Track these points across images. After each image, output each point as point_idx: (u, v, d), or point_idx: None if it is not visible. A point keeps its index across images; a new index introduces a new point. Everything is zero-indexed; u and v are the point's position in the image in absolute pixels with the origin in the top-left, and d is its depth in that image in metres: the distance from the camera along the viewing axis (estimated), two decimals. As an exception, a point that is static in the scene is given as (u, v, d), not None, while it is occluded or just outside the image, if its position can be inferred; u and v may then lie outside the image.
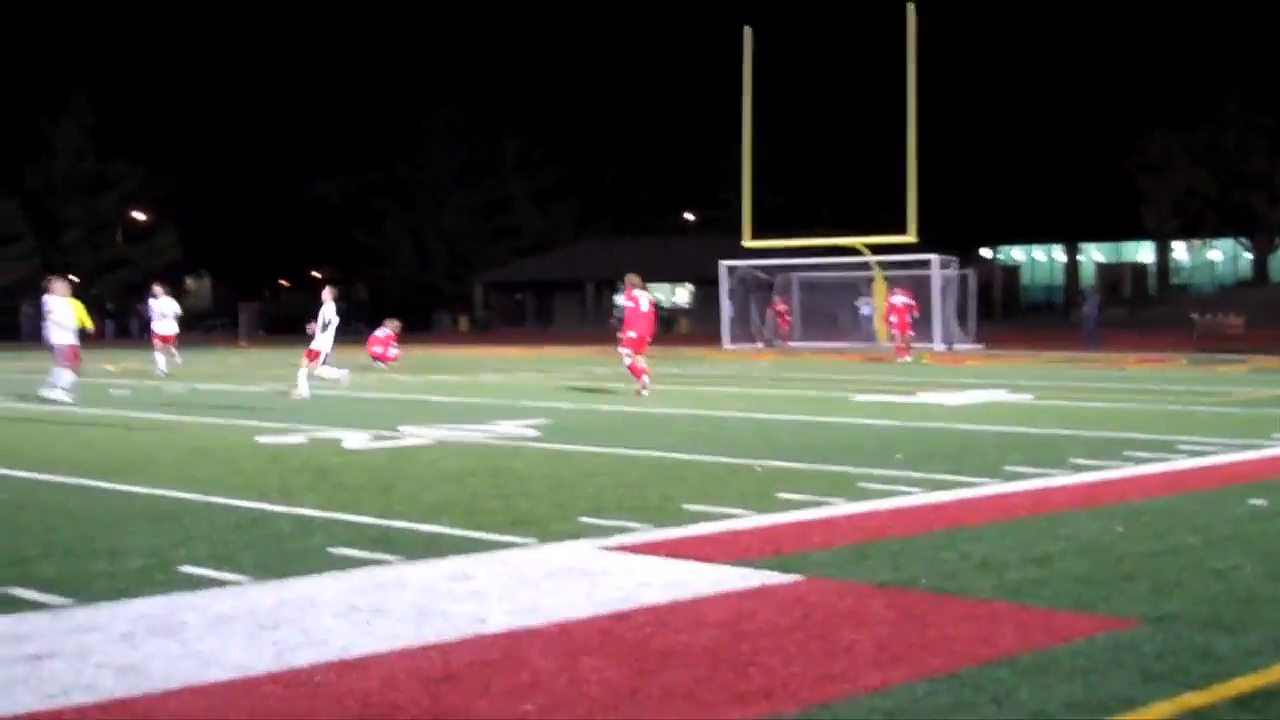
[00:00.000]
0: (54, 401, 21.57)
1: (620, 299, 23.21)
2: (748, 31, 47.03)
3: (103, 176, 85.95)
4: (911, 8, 43.21)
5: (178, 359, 32.12)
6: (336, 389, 22.87)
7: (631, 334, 22.45)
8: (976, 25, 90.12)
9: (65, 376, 22.10)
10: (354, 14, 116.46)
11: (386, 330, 35.47)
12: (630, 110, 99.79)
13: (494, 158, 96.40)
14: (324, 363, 22.60)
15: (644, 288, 22.91)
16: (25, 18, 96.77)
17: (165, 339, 31.98)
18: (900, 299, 37.52)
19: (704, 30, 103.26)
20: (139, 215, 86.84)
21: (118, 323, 77.71)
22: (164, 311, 32.26)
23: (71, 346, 22.46)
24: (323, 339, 22.47)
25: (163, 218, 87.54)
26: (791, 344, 49.17)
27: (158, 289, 33.26)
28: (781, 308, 51.25)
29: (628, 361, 22.54)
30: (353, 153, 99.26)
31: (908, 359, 35.58)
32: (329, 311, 22.44)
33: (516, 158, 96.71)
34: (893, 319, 37.35)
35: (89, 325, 23.29)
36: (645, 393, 22.04)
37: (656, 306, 23.96)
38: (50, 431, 17.03)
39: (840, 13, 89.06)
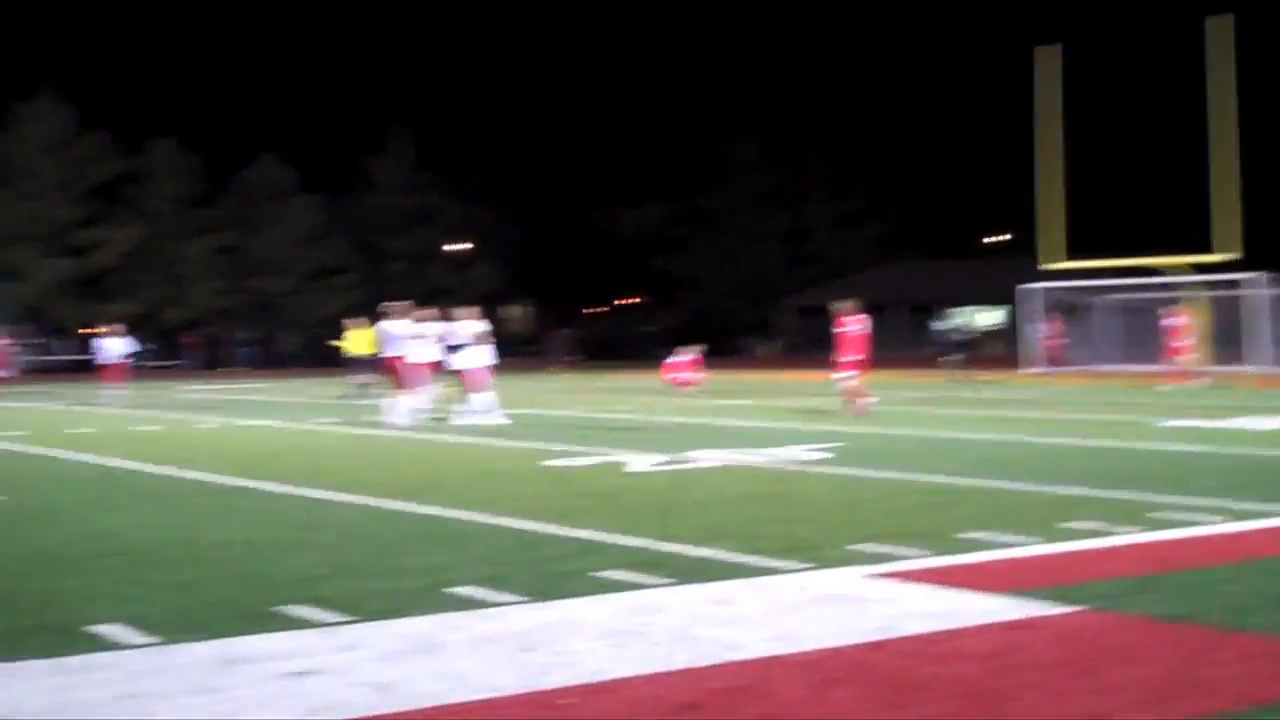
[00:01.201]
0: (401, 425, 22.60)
1: (842, 321, 23.66)
2: (1038, 52, 45.78)
3: (423, 209, 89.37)
4: (1229, 19, 41.29)
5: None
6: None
7: (850, 358, 23.36)
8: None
9: (409, 400, 23.05)
10: (662, 51, 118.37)
11: (686, 356, 35.53)
12: (933, 133, 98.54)
13: (796, 186, 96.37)
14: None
15: (857, 314, 23.83)
16: (346, 55, 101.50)
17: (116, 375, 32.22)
18: (1176, 320, 35.87)
19: (1007, 51, 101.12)
20: (458, 246, 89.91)
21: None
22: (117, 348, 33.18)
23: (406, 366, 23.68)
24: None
25: (481, 248, 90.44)
26: (1069, 368, 47.46)
27: (117, 326, 34.74)
28: (1050, 330, 49.26)
29: (851, 384, 23.28)
30: (660, 184, 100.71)
31: (1193, 384, 33.96)
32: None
33: (819, 185, 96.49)
34: (1176, 342, 35.78)
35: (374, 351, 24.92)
36: (874, 406, 23.20)
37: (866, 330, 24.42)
38: (359, 454, 17.64)
39: (1144, 26, 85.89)
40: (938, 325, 43.60)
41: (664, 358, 35.91)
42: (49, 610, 7.43)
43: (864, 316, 23.79)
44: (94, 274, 79.14)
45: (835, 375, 23.79)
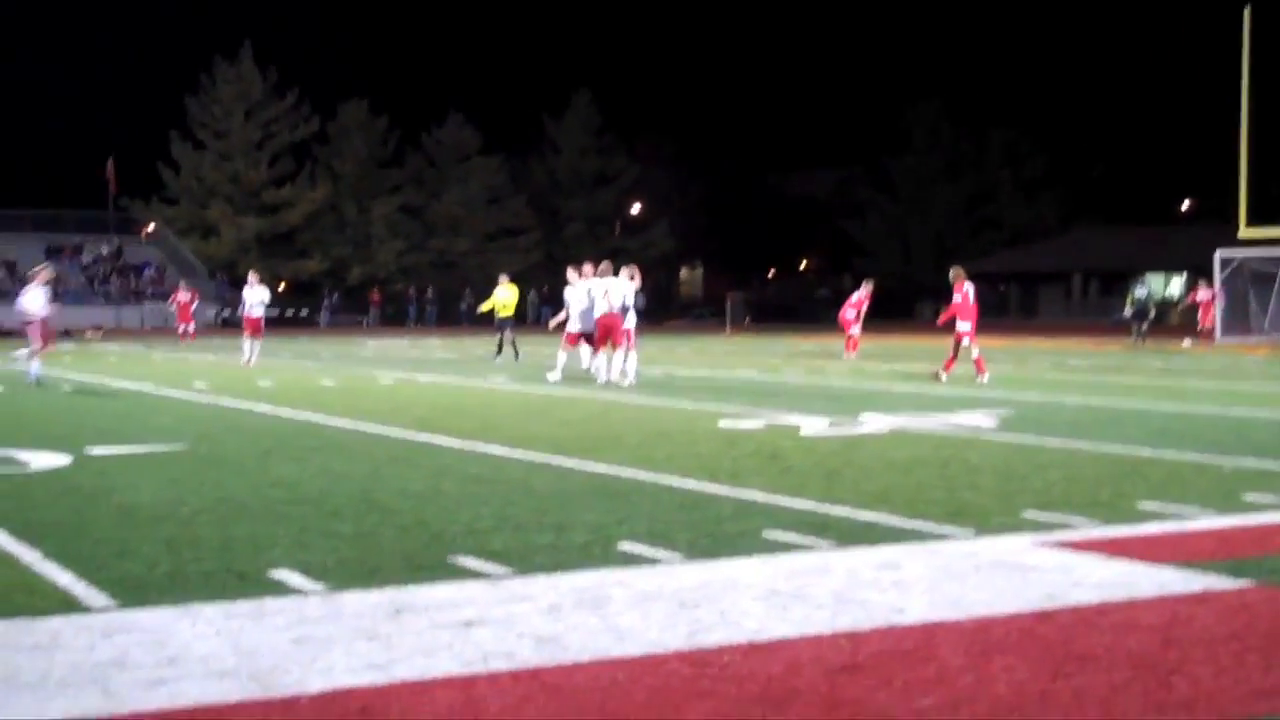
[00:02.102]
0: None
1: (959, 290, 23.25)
2: (1247, 12, 44.15)
3: (603, 172, 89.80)
4: None
5: (254, 353, 30.33)
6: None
7: (965, 325, 23.18)
8: None
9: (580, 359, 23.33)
10: (844, 13, 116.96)
11: (861, 292, 34.72)
12: (1121, 96, 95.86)
13: (980, 150, 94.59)
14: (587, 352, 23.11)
15: (969, 279, 23.62)
16: (531, 18, 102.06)
17: (255, 327, 30.71)
18: (1209, 293, 34.64)
19: (1198, 11, 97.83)
20: (635, 208, 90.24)
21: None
22: (254, 300, 31.46)
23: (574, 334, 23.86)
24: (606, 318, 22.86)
25: (657, 211, 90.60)
26: (1258, 337, 45.84)
27: (253, 277, 32.68)
28: (1204, 297, 47.39)
29: (975, 354, 23.13)
30: (839, 147, 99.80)
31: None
32: (619, 292, 22.88)
33: (1003, 150, 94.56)
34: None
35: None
36: (944, 377, 23.11)
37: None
38: (533, 411, 17.84)
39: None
40: (1133, 293, 42.46)
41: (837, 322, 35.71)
42: (225, 555, 7.65)
43: (971, 284, 23.56)
44: (284, 232, 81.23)
45: (961, 343, 23.32)
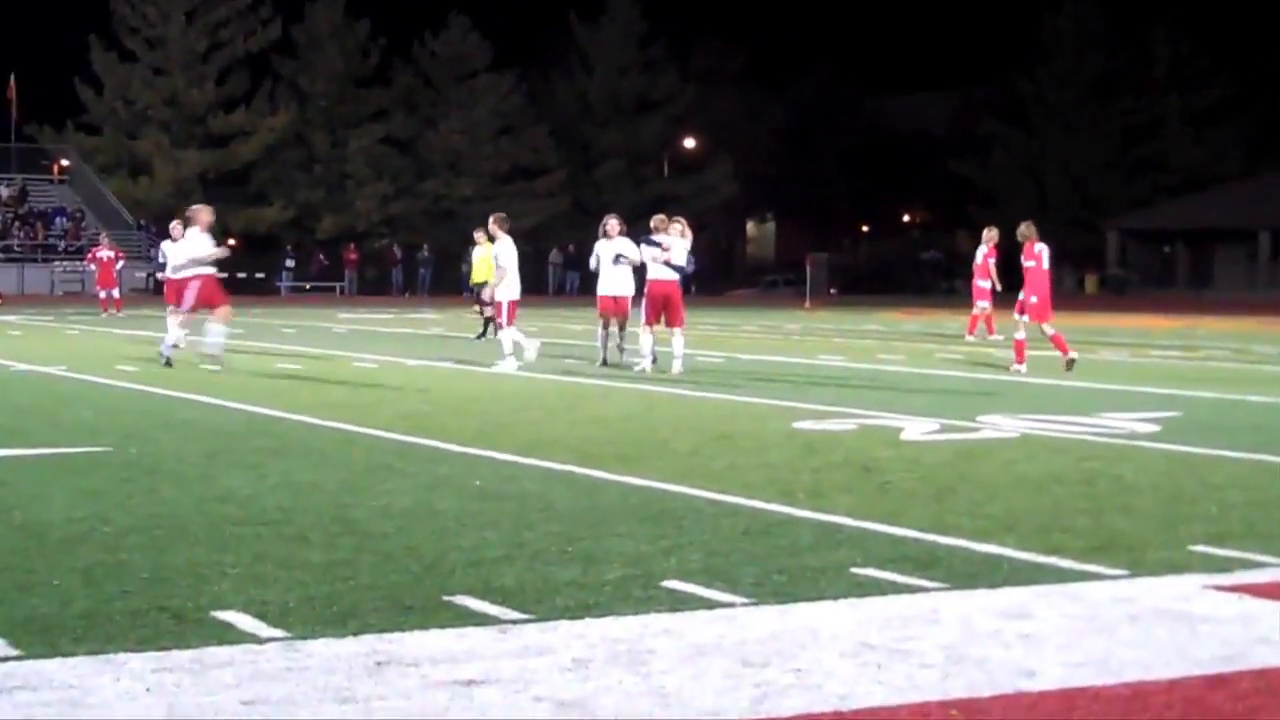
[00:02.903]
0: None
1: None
2: None
3: (647, 95, 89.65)
4: None
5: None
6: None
7: (1034, 299, 23.38)
8: None
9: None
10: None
11: (985, 246, 33.78)
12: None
13: (1139, 70, 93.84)
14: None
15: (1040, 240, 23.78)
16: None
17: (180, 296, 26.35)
18: None
19: None
20: (689, 143, 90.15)
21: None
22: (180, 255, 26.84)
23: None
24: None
25: (716, 147, 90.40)
26: None
27: (179, 227, 28.46)
28: None
29: (1050, 332, 23.43)
30: (957, 64, 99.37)
31: None
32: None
33: (1170, 70, 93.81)
34: None
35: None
36: (1020, 369, 23.36)
37: None
38: (556, 406, 17.87)
39: None
40: None
41: (952, 293, 35.61)
42: (160, 590, 7.69)
43: (1045, 247, 23.85)
44: (235, 170, 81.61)
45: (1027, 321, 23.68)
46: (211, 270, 23.95)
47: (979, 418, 16.39)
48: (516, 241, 24.42)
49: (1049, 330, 23.58)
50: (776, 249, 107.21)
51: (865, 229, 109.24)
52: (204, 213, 24.05)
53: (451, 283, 73.62)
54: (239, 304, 35.41)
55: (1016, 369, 23.59)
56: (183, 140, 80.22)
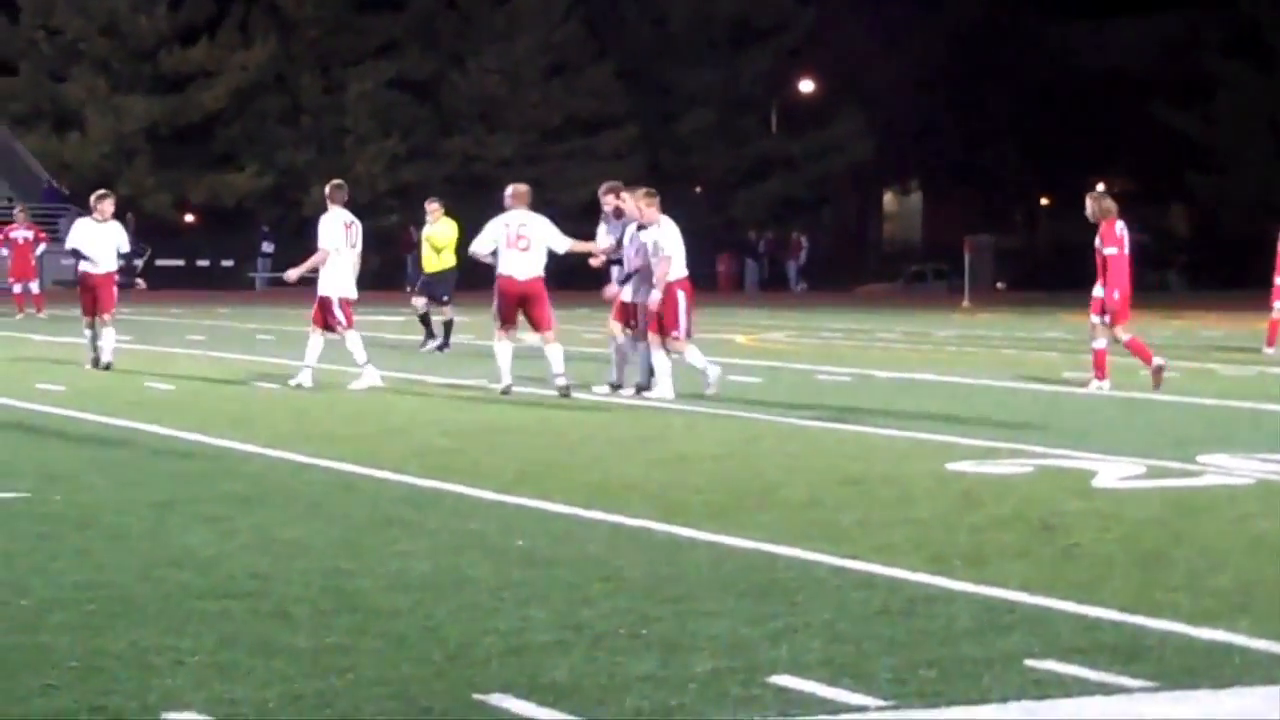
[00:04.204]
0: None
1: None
2: None
3: (745, 23, 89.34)
4: None
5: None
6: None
7: (1116, 295, 23.98)
8: None
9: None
10: None
11: None
12: None
13: None
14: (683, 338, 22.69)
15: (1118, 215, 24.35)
16: None
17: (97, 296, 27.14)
18: None
19: None
20: (806, 86, 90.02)
21: (763, 264, 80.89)
22: (99, 244, 27.32)
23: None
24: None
25: (843, 92, 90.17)
26: None
27: (104, 204, 27.75)
28: None
29: (1125, 337, 24.05)
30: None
31: None
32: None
33: None
34: None
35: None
36: (1102, 386, 23.81)
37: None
38: (620, 435, 17.86)
39: None
40: None
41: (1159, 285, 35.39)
42: (94, 685, 7.71)
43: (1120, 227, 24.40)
44: (195, 123, 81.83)
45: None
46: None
47: (1200, 458, 16.29)
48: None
49: (1124, 336, 23.97)
50: (924, 229, 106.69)
51: (1044, 202, 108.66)
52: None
53: (485, 273, 73.54)
54: (200, 300, 35.66)
55: (1098, 385, 23.83)
56: (125, 83, 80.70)
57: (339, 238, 24.10)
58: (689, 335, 22.53)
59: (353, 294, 24.19)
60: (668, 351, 22.25)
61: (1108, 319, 23.90)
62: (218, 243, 76.98)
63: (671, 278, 22.20)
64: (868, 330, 42.15)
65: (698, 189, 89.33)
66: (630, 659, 8.29)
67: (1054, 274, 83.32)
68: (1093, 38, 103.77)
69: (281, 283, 25.55)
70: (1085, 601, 9.68)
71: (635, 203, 22.92)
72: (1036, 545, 11.53)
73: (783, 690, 7.76)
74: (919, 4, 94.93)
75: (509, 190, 23.80)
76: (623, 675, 7.98)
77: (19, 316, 43.58)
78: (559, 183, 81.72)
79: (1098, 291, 24.07)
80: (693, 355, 22.55)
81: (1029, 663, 8.27)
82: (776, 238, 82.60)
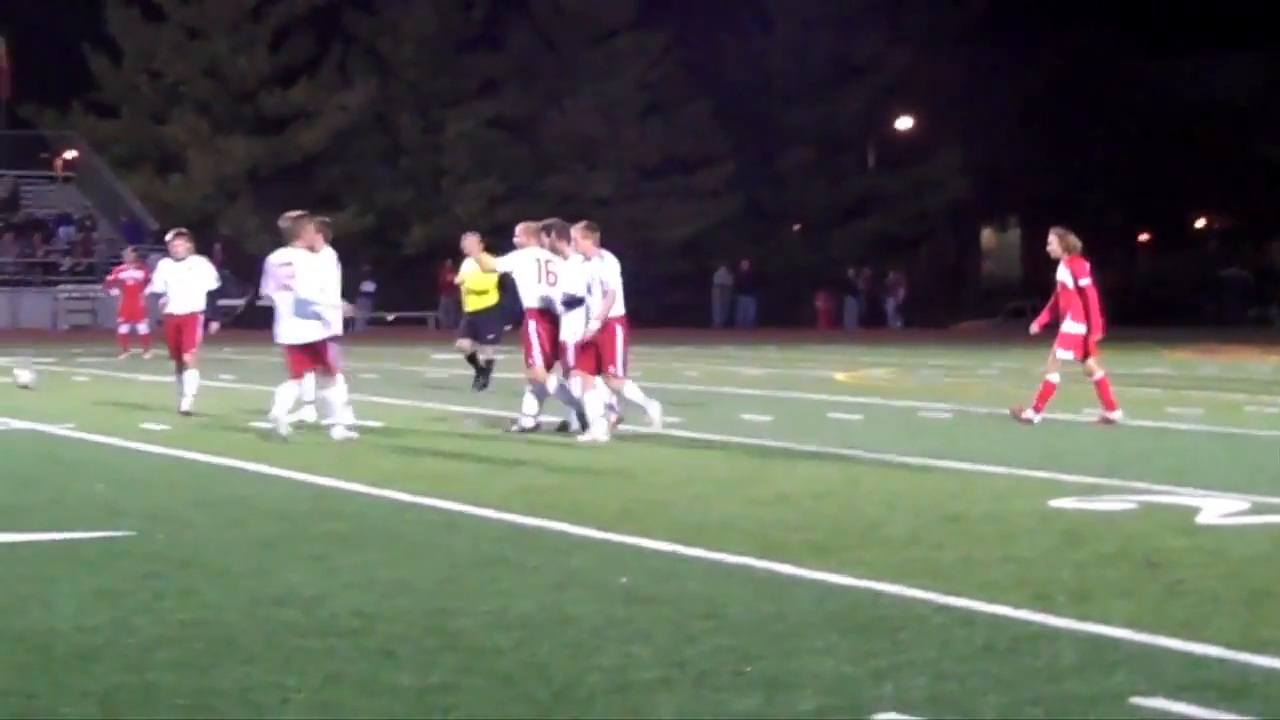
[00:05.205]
0: None
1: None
2: None
3: (845, 59, 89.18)
4: None
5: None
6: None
7: (1078, 326, 24.31)
8: None
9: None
10: None
11: None
12: None
13: None
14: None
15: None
16: None
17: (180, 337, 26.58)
18: None
19: None
20: (903, 124, 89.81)
21: (862, 302, 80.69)
22: (186, 284, 27.11)
23: None
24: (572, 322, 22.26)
25: (940, 129, 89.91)
26: None
27: (180, 243, 27.82)
28: None
29: (1097, 373, 24.58)
30: (1271, 14, 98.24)
31: None
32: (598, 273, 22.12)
33: None
34: None
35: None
36: (1117, 416, 24.35)
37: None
38: (721, 474, 17.86)
39: None
40: None
41: (1259, 320, 35.21)
42: (202, 722, 7.77)
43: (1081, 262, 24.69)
44: (295, 163, 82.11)
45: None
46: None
47: (1308, 493, 16.25)
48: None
49: (1097, 370, 24.66)
50: (1022, 265, 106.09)
51: (1143, 238, 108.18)
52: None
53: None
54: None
55: (1108, 417, 24.39)
56: (226, 125, 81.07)
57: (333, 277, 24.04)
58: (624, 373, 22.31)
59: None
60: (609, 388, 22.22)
61: (1069, 354, 24.43)
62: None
63: (612, 314, 22.10)
64: (966, 366, 42.05)
65: (795, 227, 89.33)
66: (734, 697, 8.30)
67: (1153, 311, 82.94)
68: (1193, 72, 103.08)
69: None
70: (1190, 639, 9.64)
71: (575, 236, 22.80)
72: (1140, 582, 11.50)
73: (880, 729, 7.77)
74: (1016, 39, 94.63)
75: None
76: (727, 713, 8.00)
77: (122, 356, 43.87)
78: (657, 221, 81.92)
79: (1076, 328, 24.32)
80: (631, 391, 22.32)
81: (1134, 700, 8.25)
82: (874, 275, 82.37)
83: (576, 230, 22.70)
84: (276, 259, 22.79)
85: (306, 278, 22.44)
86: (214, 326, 26.93)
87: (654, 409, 22.24)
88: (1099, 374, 24.51)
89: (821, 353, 49.92)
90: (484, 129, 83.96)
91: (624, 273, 22.36)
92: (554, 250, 22.61)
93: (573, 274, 22.20)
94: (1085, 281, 24.34)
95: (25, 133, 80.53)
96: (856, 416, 25.74)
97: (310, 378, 23.00)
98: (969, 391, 32.44)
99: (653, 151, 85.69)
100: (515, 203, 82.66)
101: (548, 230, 22.85)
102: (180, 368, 25.67)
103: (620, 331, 22.01)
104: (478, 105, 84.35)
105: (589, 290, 22.12)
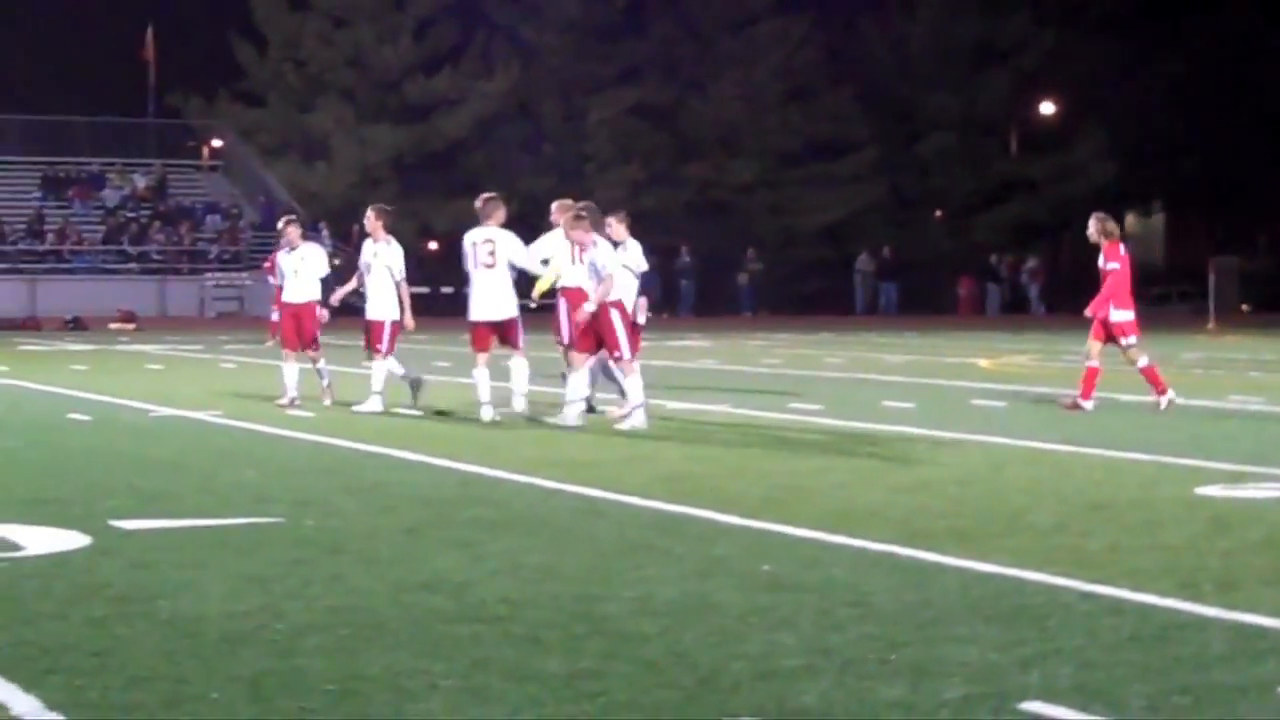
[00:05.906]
0: None
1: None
2: None
3: (989, 43, 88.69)
4: None
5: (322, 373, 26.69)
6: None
7: (1125, 314, 25.02)
8: None
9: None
10: None
11: None
12: None
13: None
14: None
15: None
16: None
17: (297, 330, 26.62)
18: None
19: None
20: (1047, 108, 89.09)
21: (1004, 288, 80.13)
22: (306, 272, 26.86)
23: None
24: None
25: (1084, 113, 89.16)
26: None
27: (292, 230, 27.21)
28: None
29: (1142, 360, 24.90)
30: None
31: None
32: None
33: None
34: None
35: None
36: (1168, 402, 24.26)
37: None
38: (865, 464, 17.84)
39: None
40: None
41: None
42: (350, 707, 7.84)
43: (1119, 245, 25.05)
44: (439, 151, 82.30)
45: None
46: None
47: None
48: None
49: (1142, 358, 24.92)
50: (1167, 251, 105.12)
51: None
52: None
53: (724, 297, 73.46)
54: (443, 327, 35.95)
55: (1169, 399, 24.48)
56: (371, 113, 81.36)
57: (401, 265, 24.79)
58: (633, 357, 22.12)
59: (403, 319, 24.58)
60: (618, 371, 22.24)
61: (1133, 338, 24.88)
62: (453, 269, 77.17)
63: (610, 298, 21.94)
64: (1111, 353, 41.63)
65: (938, 213, 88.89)
66: (880, 684, 8.30)
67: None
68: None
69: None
70: (1343, 627, 9.59)
71: (610, 221, 23.37)
72: (1287, 570, 11.41)
73: (1035, 717, 7.76)
74: (1160, 23, 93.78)
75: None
76: (873, 701, 8.00)
77: (269, 343, 44.02)
78: (798, 208, 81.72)
79: (1123, 315, 24.92)
80: (634, 382, 22.06)
81: (1284, 689, 8.19)
82: (1017, 261, 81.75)
83: (567, 219, 23.36)
84: (478, 235, 23.57)
85: (505, 256, 23.41)
86: (324, 314, 26.77)
87: (640, 415, 21.74)
88: (1094, 363, 24.66)
89: (964, 339, 49.67)
90: (626, 116, 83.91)
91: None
92: (572, 238, 23.14)
93: (606, 256, 22.24)
94: (1113, 265, 24.60)
95: (173, 122, 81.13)
96: (1000, 403, 25.64)
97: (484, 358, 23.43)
98: (1113, 379, 32.18)
99: (794, 138, 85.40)
100: (656, 189, 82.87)
101: (578, 216, 22.93)
102: (313, 360, 25.83)
103: (616, 315, 21.91)
104: (620, 92, 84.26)
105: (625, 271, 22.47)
